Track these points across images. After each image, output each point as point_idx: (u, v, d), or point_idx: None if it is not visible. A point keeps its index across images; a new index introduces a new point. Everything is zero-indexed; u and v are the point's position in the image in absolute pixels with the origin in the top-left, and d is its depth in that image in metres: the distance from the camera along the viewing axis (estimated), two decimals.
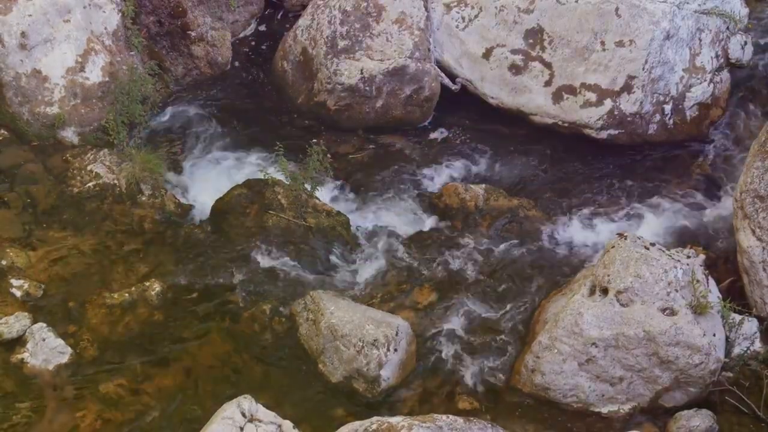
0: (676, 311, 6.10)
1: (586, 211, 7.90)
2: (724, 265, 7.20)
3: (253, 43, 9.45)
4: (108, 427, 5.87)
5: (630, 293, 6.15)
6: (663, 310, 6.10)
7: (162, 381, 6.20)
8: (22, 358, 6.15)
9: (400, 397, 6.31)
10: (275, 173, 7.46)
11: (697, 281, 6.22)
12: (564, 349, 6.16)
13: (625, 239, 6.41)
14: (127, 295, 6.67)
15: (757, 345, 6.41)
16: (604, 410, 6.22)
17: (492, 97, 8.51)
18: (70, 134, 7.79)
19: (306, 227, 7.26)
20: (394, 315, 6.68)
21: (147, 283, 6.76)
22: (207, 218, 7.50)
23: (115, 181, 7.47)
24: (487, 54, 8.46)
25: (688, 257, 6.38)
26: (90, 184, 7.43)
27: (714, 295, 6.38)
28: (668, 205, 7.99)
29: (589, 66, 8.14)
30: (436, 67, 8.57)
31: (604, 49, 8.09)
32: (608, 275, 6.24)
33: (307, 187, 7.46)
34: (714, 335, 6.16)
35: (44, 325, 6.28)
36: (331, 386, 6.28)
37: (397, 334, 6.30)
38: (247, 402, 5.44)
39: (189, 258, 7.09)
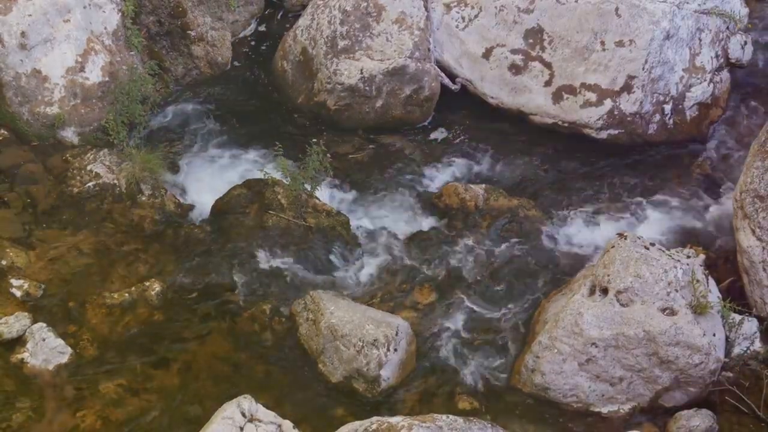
0: (676, 311, 6.10)
1: (586, 211, 7.89)
2: (724, 265, 7.19)
3: (253, 43, 9.44)
4: (108, 426, 5.87)
5: (630, 293, 6.15)
6: (663, 310, 6.11)
7: (162, 381, 6.20)
8: (22, 358, 6.14)
9: (400, 397, 6.31)
10: (275, 173, 7.46)
11: (697, 281, 6.22)
12: (564, 349, 6.16)
13: (625, 239, 6.41)
14: (127, 295, 6.67)
15: (757, 345, 6.41)
16: (604, 410, 6.22)
17: (492, 97, 8.51)
18: (70, 134, 7.78)
19: (306, 227, 7.26)
20: (394, 315, 6.68)
21: (147, 283, 6.76)
22: (207, 218, 7.51)
23: (115, 181, 7.47)
24: (486, 54, 8.46)
25: (688, 257, 6.38)
26: (90, 184, 7.43)
27: (714, 295, 6.39)
28: (668, 204, 7.98)
29: (589, 66, 8.14)
30: (436, 67, 8.56)
31: (604, 49, 8.08)
32: (608, 275, 6.24)
33: (307, 187, 7.45)
34: (714, 335, 6.16)
35: (44, 325, 6.28)
36: (331, 386, 6.28)
37: (397, 334, 6.30)
38: (247, 402, 5.44)
39: (189, 258, 7.09)
